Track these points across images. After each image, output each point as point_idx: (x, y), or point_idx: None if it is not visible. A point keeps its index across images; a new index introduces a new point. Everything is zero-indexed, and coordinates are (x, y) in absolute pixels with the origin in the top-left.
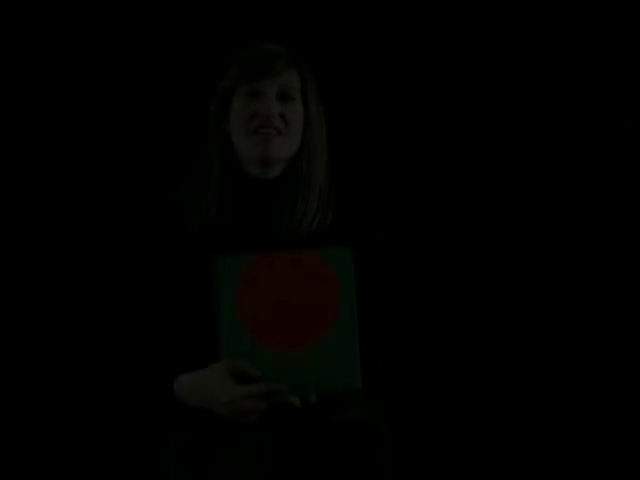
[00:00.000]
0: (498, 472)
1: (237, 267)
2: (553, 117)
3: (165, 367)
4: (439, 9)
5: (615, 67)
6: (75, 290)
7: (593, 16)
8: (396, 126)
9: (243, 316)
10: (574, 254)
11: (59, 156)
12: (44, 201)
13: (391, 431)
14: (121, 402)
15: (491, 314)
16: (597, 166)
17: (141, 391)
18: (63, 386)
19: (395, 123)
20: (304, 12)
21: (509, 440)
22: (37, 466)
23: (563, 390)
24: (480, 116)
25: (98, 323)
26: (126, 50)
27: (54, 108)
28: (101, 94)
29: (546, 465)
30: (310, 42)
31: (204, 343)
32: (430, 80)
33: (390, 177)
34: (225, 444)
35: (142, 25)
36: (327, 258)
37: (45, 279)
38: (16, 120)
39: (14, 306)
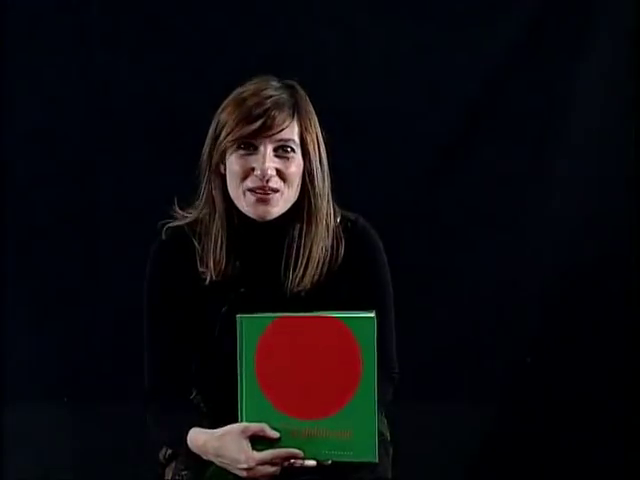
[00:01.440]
0: (498, 473)
1: (260, 328)
2: None
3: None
4: None
5: None
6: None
7: None
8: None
9: (262, 378)
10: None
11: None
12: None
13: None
14: (120, 405)
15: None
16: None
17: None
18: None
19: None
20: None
21: (508, 442)
22: (36, 466)
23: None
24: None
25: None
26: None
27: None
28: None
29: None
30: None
31: (212, 392)
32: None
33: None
34: None
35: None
36: (349, 324)
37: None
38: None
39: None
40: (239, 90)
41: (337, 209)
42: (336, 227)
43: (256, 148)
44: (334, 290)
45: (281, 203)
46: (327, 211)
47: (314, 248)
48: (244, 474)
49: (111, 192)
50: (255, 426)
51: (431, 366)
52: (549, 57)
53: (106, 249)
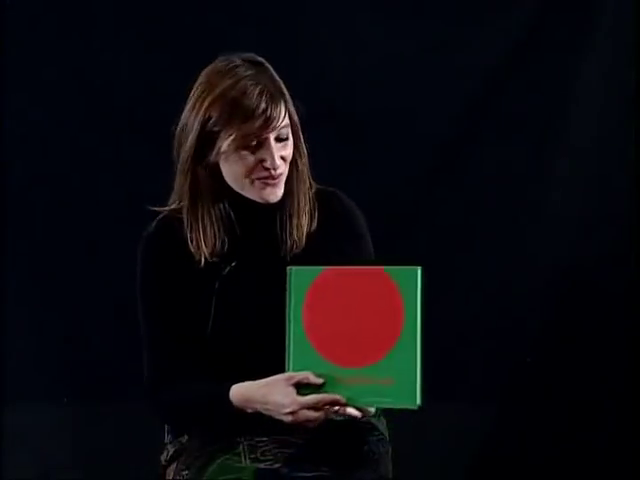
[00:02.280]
0: (498, 473)
1: (309, 279)
2: None
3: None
4: None
5: None
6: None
7: None
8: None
9: (309, 327)
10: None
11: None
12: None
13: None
14: (120, 405)
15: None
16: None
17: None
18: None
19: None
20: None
21: (508, 442)
22: (36, 466)
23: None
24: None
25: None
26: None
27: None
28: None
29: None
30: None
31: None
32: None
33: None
34: (223, 448)
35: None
36: (394, 276)
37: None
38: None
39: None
40: (220, 83)
41: (312, 181)
42: (313, 195)
43: (259, 143)
44: (318, 252)
45: (282, 184)
46: (307, 179)
47: (302, 215)
48: (289, 418)
49: (111, 192)
50: (300, 374)
51: (431, 366)
52: (549, 57)
53: (106, 249)
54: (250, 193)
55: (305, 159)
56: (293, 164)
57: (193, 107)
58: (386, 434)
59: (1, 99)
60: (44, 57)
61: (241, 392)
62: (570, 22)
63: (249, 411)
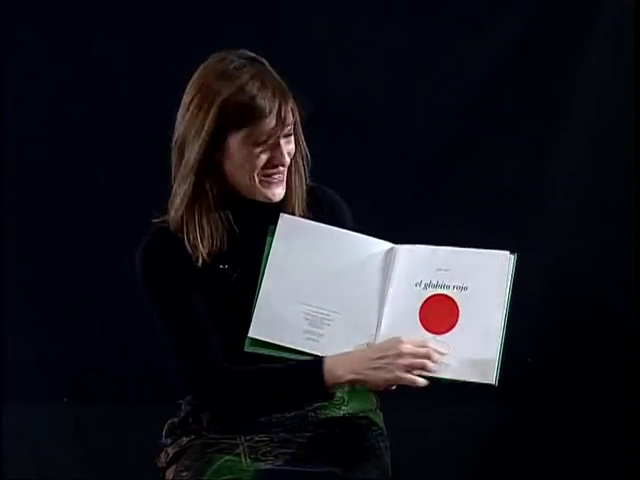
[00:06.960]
0: (498, 473)
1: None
2: None
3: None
4: None
5: None
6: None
7: None
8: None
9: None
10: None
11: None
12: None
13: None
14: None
15: None
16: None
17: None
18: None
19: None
20: None
21: (508, 442)
22: (36, 466)
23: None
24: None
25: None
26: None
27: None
28: None
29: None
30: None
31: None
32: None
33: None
34: (223, 448)
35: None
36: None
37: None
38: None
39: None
40: (227, 85)
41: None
42: (307, 191)
43: (271, 140)
44: None
45: (285, 181)
46: (304, 176)
47: (299, 213)
48: (397, 362)
49: (111, 192)
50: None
51: None
52: (549, 57)
53: (107, 249)
54: (255, 192)
55: (304, 156)
56: (293, 161)
57: (199, 110)
58: (384, 428)
59: (1, 99)
60: (44, 57)
61: (336, 364)
62: (570, 22)
63: (353, 377)
